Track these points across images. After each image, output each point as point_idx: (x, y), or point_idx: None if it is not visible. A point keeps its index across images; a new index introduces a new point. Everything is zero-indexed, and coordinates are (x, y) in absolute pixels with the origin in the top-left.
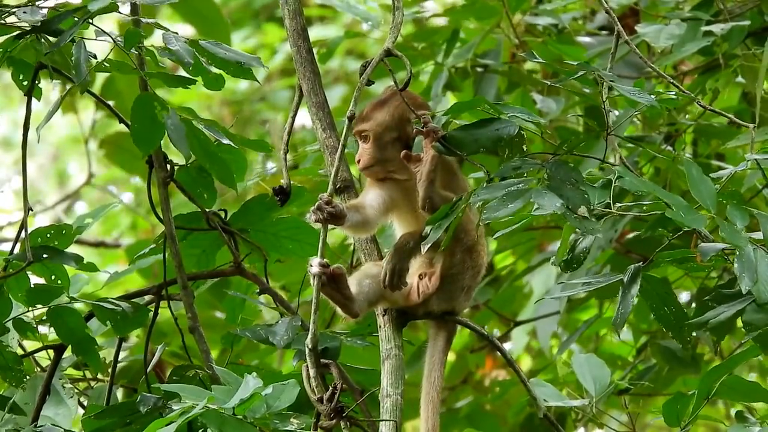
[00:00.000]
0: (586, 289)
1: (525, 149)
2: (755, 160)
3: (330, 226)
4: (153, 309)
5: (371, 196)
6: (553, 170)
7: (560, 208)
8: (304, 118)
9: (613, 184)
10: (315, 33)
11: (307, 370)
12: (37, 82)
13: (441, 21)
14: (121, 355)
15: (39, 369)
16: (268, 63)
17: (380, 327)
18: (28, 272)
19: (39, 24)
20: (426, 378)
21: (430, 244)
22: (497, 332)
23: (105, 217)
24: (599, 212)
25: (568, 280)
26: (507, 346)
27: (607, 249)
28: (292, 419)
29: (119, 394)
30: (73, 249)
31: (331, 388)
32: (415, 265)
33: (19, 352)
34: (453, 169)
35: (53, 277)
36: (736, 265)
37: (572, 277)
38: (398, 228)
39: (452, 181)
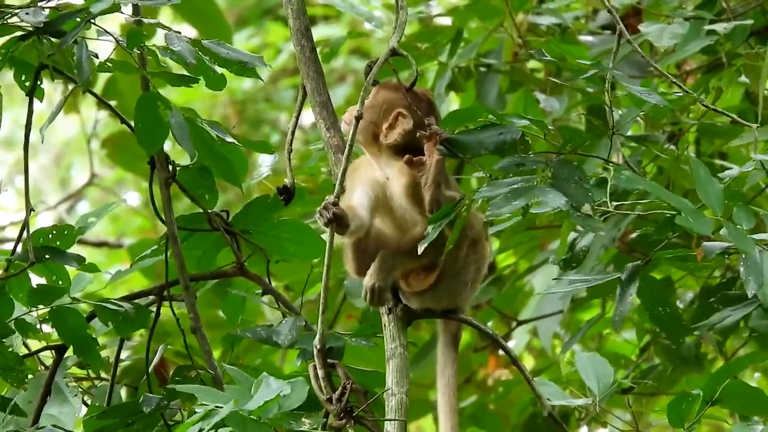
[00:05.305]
0: (584, 286)
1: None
2: (760, 160)
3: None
4: (155, 310)
5: (358, 196)
6: (557, 168)
7: (565, 205)
8: (309, 117)
9: (609, 183)
10: (319, 32)
11: (315, 370)
12: (39, 82)
13: (445, 21)
14: (125, 354)
15: (43, 368)
16: (272, 62)
17: (385, 326)
18: (29, 272)
19: (41, 25)
20: (440, 378)
21: (428, 245)
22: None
23: (111, 218)
24: (602, 211)
25: (569, 278)
26: (509, 345)
27: (611, 248)
28: (303, 419)
29: (123, 393)
30: (75, 249)
31: (340, 389)
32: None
33: (23, 351)
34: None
35: (54, 278)
36: (741, 268)
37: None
38: (378, 231)
39: (447, 180)
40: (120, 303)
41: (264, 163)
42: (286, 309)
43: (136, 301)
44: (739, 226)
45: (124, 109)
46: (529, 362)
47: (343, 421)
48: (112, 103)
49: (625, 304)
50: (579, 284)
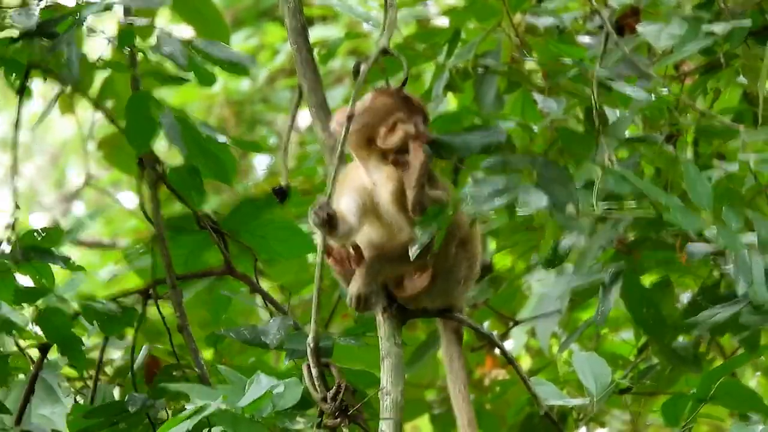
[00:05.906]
0: (573, 287)
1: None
2: (747, 161)
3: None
4: (141, 309)
5: (346, 202)
6: (542, 168)
7: (547, 205)
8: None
9: (596, 185)
10: (316, 32)
11: (309, 368)
12: (28, 81)
13: (442, 21)
14: (117, 354)
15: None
16: (270, 63)
17: (379, 325)
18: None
19: (34, 28)
20: (449, 374)
21: (419, 250)
22: (495, 332)
23: (105, 219)
24: (601, 213)
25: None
26: (506, 344)
27: (609, 249)
28: (298, 417)
29: (116, 393)
30: (69, 250)
31: (335, 387)
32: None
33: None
34: (432, 170)
35: (38, 277)
36: (731, 267)
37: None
38: (364, 237)
39: (433, 180)
40: (105, 302)
41: (260, 165)
42: (274, 308)
43: (123, 300)
44: (729, 227)
45: (121, 111)
46: (526, 362)
47: (338, 419)
48: (108, 104)
49: (608, 305)
50: (573, 284)
